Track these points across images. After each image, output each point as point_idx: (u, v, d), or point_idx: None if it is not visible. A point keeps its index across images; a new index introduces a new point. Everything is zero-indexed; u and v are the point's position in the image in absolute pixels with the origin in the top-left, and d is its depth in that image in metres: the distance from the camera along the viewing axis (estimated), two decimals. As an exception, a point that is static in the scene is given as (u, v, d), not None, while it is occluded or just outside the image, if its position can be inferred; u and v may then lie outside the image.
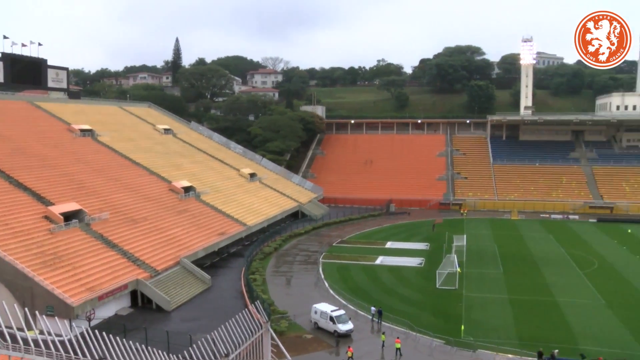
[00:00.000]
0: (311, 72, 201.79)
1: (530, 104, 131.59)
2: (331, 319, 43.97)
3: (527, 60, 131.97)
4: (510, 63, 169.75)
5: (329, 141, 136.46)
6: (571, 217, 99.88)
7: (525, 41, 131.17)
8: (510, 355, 39.98)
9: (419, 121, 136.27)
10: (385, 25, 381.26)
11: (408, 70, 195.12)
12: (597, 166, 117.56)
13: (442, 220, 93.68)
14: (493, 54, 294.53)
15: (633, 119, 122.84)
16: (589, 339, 42.94)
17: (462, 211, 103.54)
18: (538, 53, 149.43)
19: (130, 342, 25.68)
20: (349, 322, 44.54)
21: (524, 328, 45.17)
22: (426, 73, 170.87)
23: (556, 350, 38.54)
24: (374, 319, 47.02)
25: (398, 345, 40.23)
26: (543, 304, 51.34)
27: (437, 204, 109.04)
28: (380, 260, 67.95)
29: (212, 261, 65.90)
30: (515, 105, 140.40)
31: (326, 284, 57.50)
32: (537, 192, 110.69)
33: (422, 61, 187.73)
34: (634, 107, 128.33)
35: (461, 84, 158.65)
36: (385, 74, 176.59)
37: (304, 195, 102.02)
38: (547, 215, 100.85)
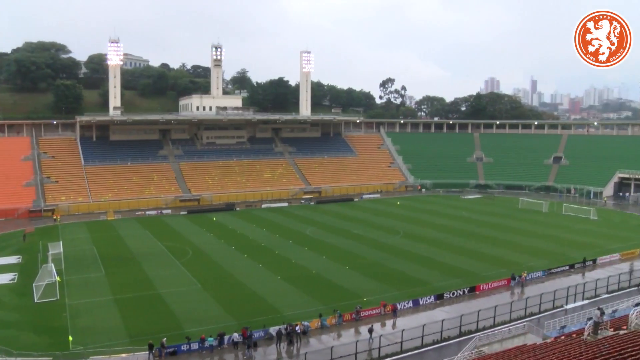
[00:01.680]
0: None
1: (119, 104, 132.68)
2: None
3: (114, 61, 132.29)
4: (98, 63, 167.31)
5: None
6: (164, 212, 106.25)
7: (112, 42, 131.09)
8: (123, 355, 40.79)
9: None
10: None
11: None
12: (184, 162, 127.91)
13: (34, 228, 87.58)
14: (80, 53, 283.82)
15: (210, 118, 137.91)
16: (192, 321, 47.14)
17: (55, 217, 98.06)
18: (125, 54, 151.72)
19: None
20: None
21: (133, 325, 46.55)
22: (4, 69, 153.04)
23: (164, 339, 41.44)
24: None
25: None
26: (148, 298, 53.78)
27: (27, 212, 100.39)
28: (-38, 282, 59.18)
29: None
30: (104, 105, 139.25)
31: None
32: (131, 191, 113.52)
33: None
34: (211, 108, 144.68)
35: (46, 82, 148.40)
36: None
37: None
38: (143, 212, 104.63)
